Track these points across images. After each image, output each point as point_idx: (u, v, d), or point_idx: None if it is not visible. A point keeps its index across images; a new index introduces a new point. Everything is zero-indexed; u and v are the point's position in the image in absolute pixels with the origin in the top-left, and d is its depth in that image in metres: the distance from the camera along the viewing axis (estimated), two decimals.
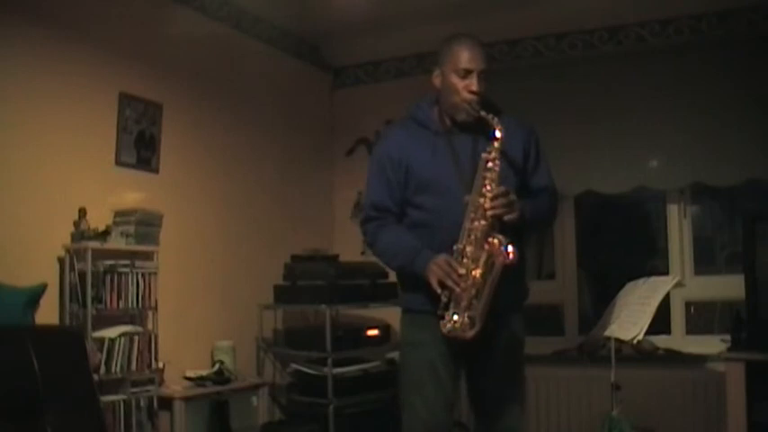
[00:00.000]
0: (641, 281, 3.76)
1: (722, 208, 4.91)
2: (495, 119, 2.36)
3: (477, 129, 2.42)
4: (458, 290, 2.29)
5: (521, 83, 4.63)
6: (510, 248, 2.25)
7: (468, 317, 2.29)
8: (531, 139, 2.58)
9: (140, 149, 3.88)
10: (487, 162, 2.35)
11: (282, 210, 4.86)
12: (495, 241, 2.27)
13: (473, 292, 2.29)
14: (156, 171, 3.98)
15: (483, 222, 2.31)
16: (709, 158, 4.18)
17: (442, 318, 2.32)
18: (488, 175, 2.33)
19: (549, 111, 4.50)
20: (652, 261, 4.89)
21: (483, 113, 2.38)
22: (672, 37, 4.34)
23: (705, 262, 4.58)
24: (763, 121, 4.01)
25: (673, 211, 4.48)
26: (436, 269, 2.32)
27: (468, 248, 2.31)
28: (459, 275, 2.30)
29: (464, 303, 2.30)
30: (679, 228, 4.45)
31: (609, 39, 4.51)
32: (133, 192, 3.81)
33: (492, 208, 2.30)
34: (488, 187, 2.32)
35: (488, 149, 2.35)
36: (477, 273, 2.29)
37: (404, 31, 4.88)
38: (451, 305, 2.31)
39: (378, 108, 5.01)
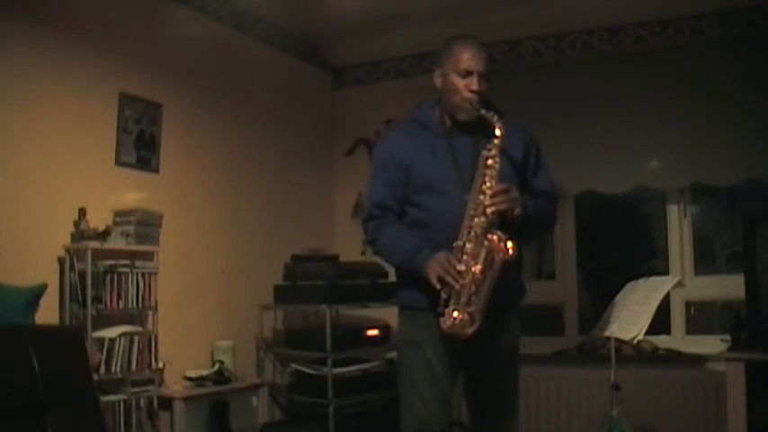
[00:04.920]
0: (641, 281, 3.77)
1: (722, 208, 4.91)
2: (495, 117, 2.38)
3: (478, 130, 2.44)
4: (457, 286, 2.31)
5: (521, 83, 4.63)
6: (509, 244, 2.27)
7: (468, 313, 2.30)
8: (532, 144, 2.60)
9: (140, 149, 3.88)
10: (487, 159, 2.36)
11: (282, 210, 4.86)
12: (495, 237, 2.29)
13: (472, 288, 2.30)
14: (156, 171, 3.98)
15: (482, 219, 2.32)
16: (709, 158, 4.18)
17: (442, 315, 2.32)
18: (488, 172, 2.35)
19: (549, 111, 4.51)
20: (652, 261, 4.89)
21: (483, 112, 2.40)
22: (672, 37, 4.34)
23: (705, 262, 4.58)
24: (763, 121, 4.01)
25: (673, 211, 4.48)
26: (436, 266, 2.34)
27: (468, 245, 2.33)
28: (459, 272, 2.31)
29: (464, 300, 2.30)
30: (679, 228, 4.45)
31: (609, 39, 4.51)
32: (133, 192, 3.81)
33: (492, 204, 2.31)
34: (488, 184, 2.34)
35: (488, 147, 2.37)
36: (477, 269, 2.30)
37: (404, 31, 4.88)
38: (451, 302, 2.32)
39: (378, 108, 5.01)
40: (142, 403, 3.52)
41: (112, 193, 3.70)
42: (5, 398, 2.33)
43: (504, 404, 2.54)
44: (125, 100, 3.79)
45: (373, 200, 2.59)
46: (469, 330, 2.30)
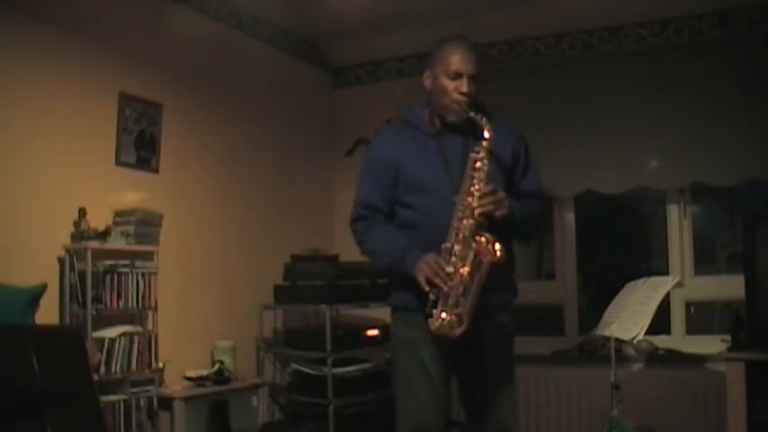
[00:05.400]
0: (641, 281, 3.77)
1: (722, 208, 4.91)
2: (484, 119, 2.39)
3: (468, 131, 2.45)
4: (445, 288, 2.31)
5: (521, 83, 4.63)
6: (497, 246, 2.27)
7: (456, 314, 2.30)
8: (521, 144, 2.60)
9: (140, 149, 3.88)
10: (476, 162, 2.37)
11: (282, 210, 4.86)
12: (483, 240, 2.29)
13: (460, 290, 2.30)
14: (156, 171, 3.98)
15: (471, 221, 2.33)
16: (709, 158, 4.18)
17: (430, 316, 2.32)
18: (476, 174, 2.35)
19: (549, 111, 4.51)
20: (652, 261, 4.89)
21: (472, 114, 2.40)
22: (672, 37, 4.34)
23: (705, 262, 4.58)
24: (763, 121, 4.01)
25: (673, 211, 4.48)
26: (424, 267, 2.34)
27: (456, 247, 2.33)
28: (447, 274, 2.31)
29: (452, 301, 2.31)
30: (679, 228, 4.45)
31: (609, 39, 4.52)
32: (133, 192, 3.81)
33: (480, 206, 2.32)
34: (476, 186, 2.34)
35: (477, 149, 2.38)
36: (465, 271, 2.30)
37: (404, 31, 4.88)
38: (439, 303, 2.32)
39: (378, 108, 5.01)
40: (142, 403, 3.52)
41: (112, 193, 3.70)
42: (5, 398, 2.33)
43: (501, 404, 2.53)
44: (125, 100, 3.79)
45: (361, 200, 2.59)
46: (457, 331, 2.31)
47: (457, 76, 2.44)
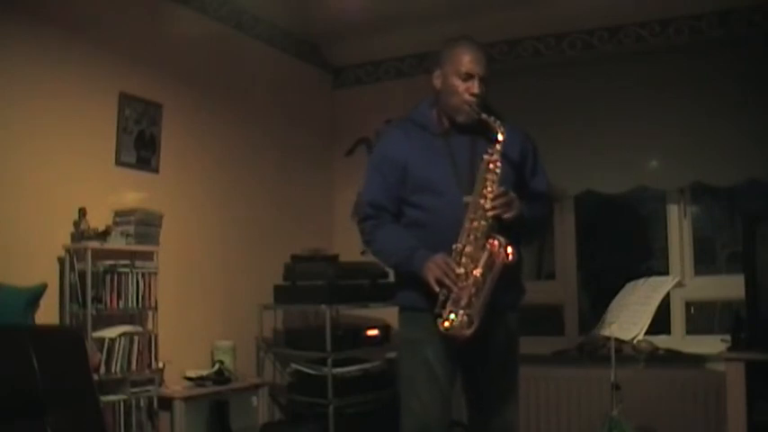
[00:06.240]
0: (641, 281, 3.77)
1: (722, 208, 4.91)
2: (498, 121, 2.38)
3: (476, 130, 2.45)
4: (455, 289, 2.30)
5: (521, 83, 4.63)
6: (509, 249, 2.28)
7: (467, 315, 2.30)
8: (529, 146, 2.61)
9: (140, 149, 3.88)
10: (489, 164, 2.37)
11: (282, 210, 4.86)
12: (496, 242, 2.30)
13: (473, 290, 2.30)
14: (156, 171, 3.98)
15: (483, 223, 2.33)
16: (709, 158, 4.18)
17: (440, 316, 2.32)
18: (490, 176, 2.36)
19: (549, 111, 4.51)
20: (652, 261, 4.89)
21: (485, 116, 2.40)
22: (672, 37, 4.34)
23: (705, 262, 4.58)
24: (763, 121, 4.01)
25: (673, 211, 4.48)
26: (434, 267, 2.34)
27: (468, 248, 2.33)
28: (457, 275, 2.31)
29: (463, 302, 2.30)
30: (679, 228, 4.45)
31: (609, 39, 4.51)
32: (133, 192, 3.81)
33: (492, 208, 2.32)
34: (489, 188, 2.34)
35: (490, 151, 2.38)
36: (478, 272, 2.30)
37: (404, 31, 4.88)
38: (449, 304, 2.32)
39: (378, 108, 5.01)
40: (142, 403, 3.52)
41: (112, 193, 3.70)
42: (5, 398, 2.33)
43: (505, 404, 2.54)
44: (125, 100, 3.79)
45: (368, 200, 2.59)
46: (468, 332, 2.31)
47: (468, 77, 2.44)
